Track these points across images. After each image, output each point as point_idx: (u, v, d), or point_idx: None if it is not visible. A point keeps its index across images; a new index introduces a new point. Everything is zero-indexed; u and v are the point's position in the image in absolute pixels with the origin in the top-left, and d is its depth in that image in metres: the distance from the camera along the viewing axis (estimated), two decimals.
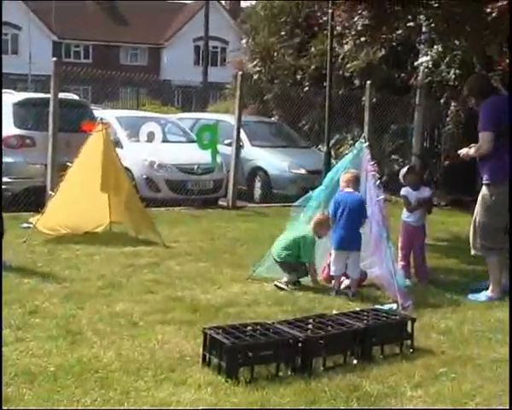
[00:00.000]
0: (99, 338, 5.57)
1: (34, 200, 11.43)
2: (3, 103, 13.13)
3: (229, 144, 14.23)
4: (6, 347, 5.29)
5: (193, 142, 14.25)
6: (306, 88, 18.24)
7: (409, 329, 5.67)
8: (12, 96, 13.54)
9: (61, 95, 12.18)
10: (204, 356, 5.14)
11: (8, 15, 49.73)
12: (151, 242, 9.54)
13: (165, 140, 13.88)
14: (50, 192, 10.56)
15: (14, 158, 12.47)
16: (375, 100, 14.86)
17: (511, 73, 15.08)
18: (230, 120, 14.97)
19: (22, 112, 13.01)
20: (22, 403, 4.36)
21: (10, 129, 12.68)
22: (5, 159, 12.33)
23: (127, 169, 11.56)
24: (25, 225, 10.22)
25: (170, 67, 52.54)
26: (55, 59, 12.32)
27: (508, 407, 4.66)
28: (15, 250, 8.83)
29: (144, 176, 13.41)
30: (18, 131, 12.65)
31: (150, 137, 13.32)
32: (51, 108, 11.70)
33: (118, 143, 12.73)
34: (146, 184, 13.33)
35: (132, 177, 12.68)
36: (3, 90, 14.78)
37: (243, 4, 46.44)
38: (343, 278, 7.54)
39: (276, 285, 7.46)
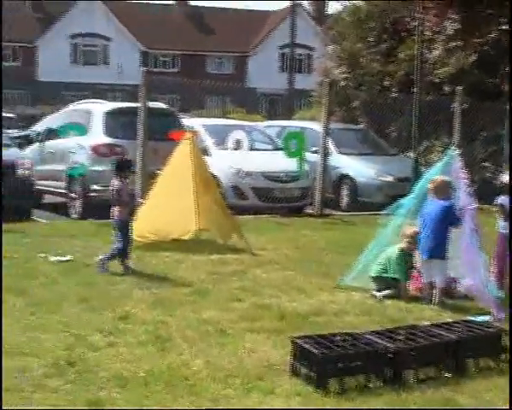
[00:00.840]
0: (188, 345, 5.60)
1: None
2: (95, 113, 13.51)
3: (316, 152, 14.15)
4: (98, 351, 5.39)
5: (279, 149, 14.22)
6: (394, 94, 18.00)
7: (504, 342, 5.48)
8: (103, 106, 13.87)
9: (150, 104, 12.36)
10: (292, 365, 5.10)
11: (99, 27, 51.19)
12: (238, 249, 9.57)
13: (252, 148, 13.91)
14: (140, 200, 10.73)
15: (104, 166, 12.74)
16: (465, 106, 14.51)
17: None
18: (317, 127, 14.90)
19: (112, 121, 13.28)
20: (114, 406, 4.43)
21: (101, 138, 12.98)
22: (95, 167, 12.68)
23: (214, 177, 11.62)
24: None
25: (255, 75, 52.81)
26: (144, 69, 12.54)
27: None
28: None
29: (231, 184, 13.47)
30: (108, 140, 12.92)
31: (237, 144, 13.39)
32: (140, 117, 11.88)
33: (205, 151, 12.82)
34: (233, 192, 13.38)
35: (219, 184, 12.75)
36: (95, 100, 15.22)
37: (329, 11, 46.28)
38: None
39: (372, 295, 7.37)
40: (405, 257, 7.54)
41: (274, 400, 4.64)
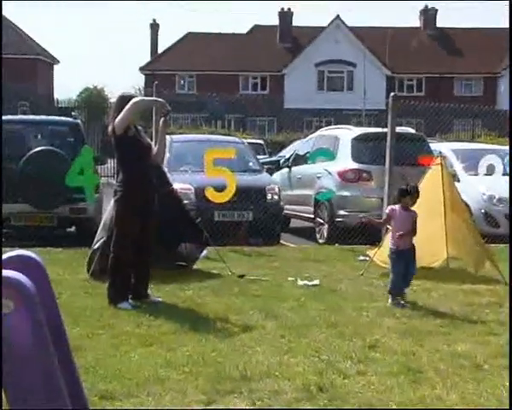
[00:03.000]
0: (441, 378, 5.36)
1: (370, 233, 11.56)
2: (342, 138, 13.64)
3: None
4: (348, 378, 5.31)
5: None
6: None
7: None
8: (350, 132, 13.97)
9: (398, 129, 12.24)
10: None
11: (344, 53, 52.01)
12: (491, 280, 9.09)
13: (505, 173, 13.25)
14: (388, 226, 10.60)
15: (352, 191, 12.80)
16: None
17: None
18: None
19: (360, 146, 13.33)
20: None
21: (348, 163, 13.06)
22: (343, 192, 12.78)
23: (464, 203, 11.20)
24: (361, 257, 10.38)
25: (507, 97, 50.61)
26: (392, 94, 12.43)
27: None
28: (352, 282, 8.98)
29: (483, 210, 12.94)
30: (356, 166, 12.96)
31: (490, 169, 12.81)
32: (388, 142, 11.78)
33: (454, 177, 12.43)
34: (484, 219, 12.84)
35: (470, 211, 12.27)
36: (342, 126, 15.38)
37: None
38: None
39: None
40: None
41: None
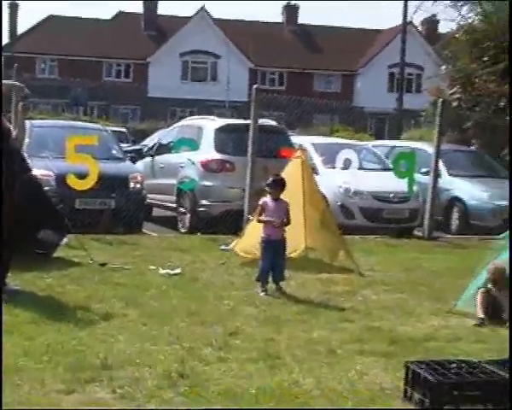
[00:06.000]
0: (298, 364, 5.55)
1: (232, 223, 11.74)
2: (206, 129, 13.72)
3: (426, 173, 13.90)
4: (208, 365, 5.42)
5: (388, 170, 14.03)
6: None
7: None
8: (213, 123, 14.05)
9: (260, 121, 12.45)
10: (405, 390, 4.97)
11: (209, 45, 52.14)
12: (346, 269, 9.47)
13: (361, 167, 13.78)
14: (248, 216, 10.80)
15: (214, 182, 12.91)
16: None
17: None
18: (427, 148, 14.64)
19: (223, 137, 13.45)
20: None
21: (211, 153, 13.16)
22: (205, 182, 12.87)
23: (322, 195, 11.56)
24: (223, 247, 10.51)
25: (363, 94, 52.53)
26: (255, 86, 12.64)
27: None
28: (214, 271, 9.10)
29: (339, 203, 13.39)
30: (219, 156, 13.08)
31: (346, 163, 13.28)
32: (251, 134, 11.97)
33: (313, 170, 12.78)
34: (341, 211, 13.29)
35: (327, 203, 12.67)
36: (206, 117, 15.46)
37: (441, 29, 45.52)
38: None
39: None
40: None
41: None
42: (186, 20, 53.61)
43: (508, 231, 7.61)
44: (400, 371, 5.13)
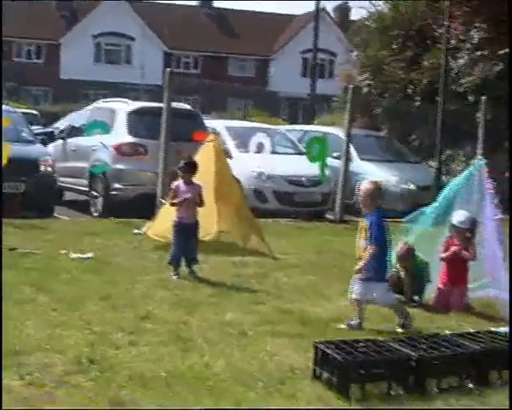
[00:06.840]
0: (209, 346, 5.60)
1: (145, 207, 11.65)
2: (119, 112, 13.56)
3: (338, 157, 14.14)
4: (119, 350, 5.40)
5: (301, 154, 14.22)
6: (418, 103, 17.93)
7: None
8: (126, 106, 13.90)
9: (174, 104, 12.39)
10: (314, 370, 5.09)
11: (123, 27, 51.36)
12: (259, 252, 9.56)
13: (274, 151, 13.92)
14: (161, 199, 10.76)
15: (127, 165, 12.80)
16: (489, 117, 14.42)
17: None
18: (339, 132, 14.90)
19: (136, 120, 13.33)
20: (136, 406, 4.43)
21: (124, 137, 13.03)
22: (118, 165, 12.73)
23: (236, 179, 11.62)
24: (136, 231, 10.45)
25: (277, 79, 52.82)
26: (169, 69, 12.56)
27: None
28: (126, 256, 9.04)
29: (252, 187, 13.48)
30: (131, 139, 12.97)
31: (259, 148, 13.39)
32: (164, 118, 11.90)
33: (227, 153, 12.83)
34: (254, 195, 13.39)
35: (241, 187, 12.74)
36: (119, 99, 15.27)
37: (353, 17, 46.24)
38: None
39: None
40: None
41: (295, 404, 4.63)
42: (100, 1, 52.64)
43: (413, 214, 7.86)
44: (310, 352, 5.23)
